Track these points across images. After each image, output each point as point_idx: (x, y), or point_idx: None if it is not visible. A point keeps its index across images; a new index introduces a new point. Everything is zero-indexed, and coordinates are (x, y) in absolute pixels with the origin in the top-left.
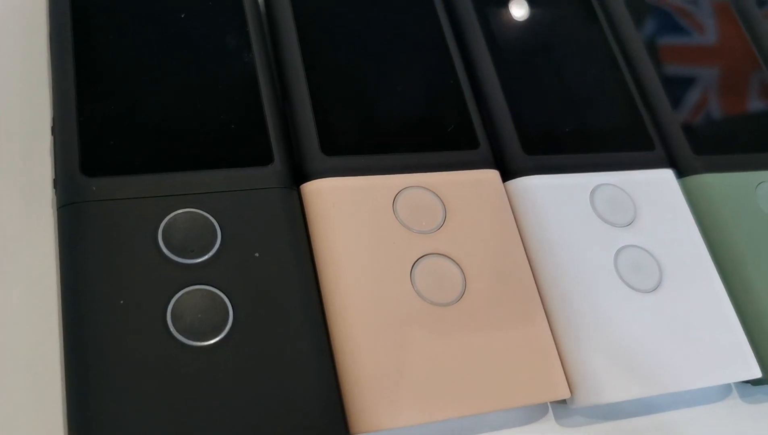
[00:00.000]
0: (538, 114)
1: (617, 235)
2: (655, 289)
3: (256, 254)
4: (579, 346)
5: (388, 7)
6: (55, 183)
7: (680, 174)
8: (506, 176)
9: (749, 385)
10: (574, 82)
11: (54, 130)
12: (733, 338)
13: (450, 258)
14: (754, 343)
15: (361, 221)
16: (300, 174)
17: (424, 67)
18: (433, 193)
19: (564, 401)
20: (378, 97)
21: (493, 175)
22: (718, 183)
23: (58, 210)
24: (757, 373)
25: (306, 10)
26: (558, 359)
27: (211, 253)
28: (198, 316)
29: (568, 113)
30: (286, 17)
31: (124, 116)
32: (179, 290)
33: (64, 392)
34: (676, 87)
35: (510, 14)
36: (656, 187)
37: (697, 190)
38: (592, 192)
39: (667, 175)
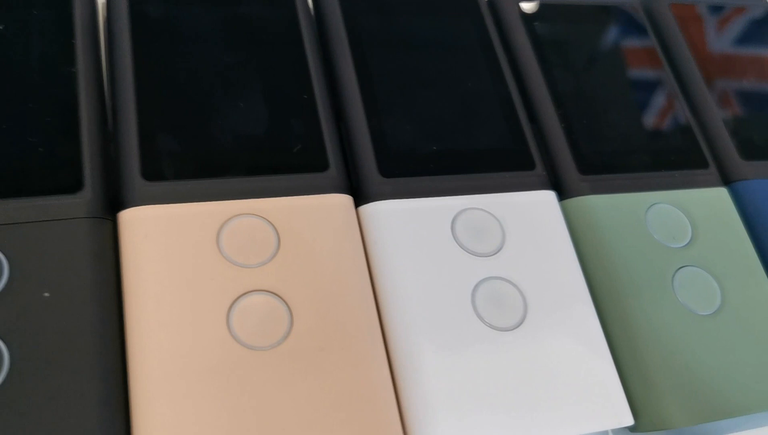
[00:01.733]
0: (402, 132)
1: (478, 266)
2: (517, 326)
3: (47, 294)
4: (421, 392)
5: (238, 13)
6: None
7: (563, 196)
8: (361, 201)
9: (628, 431)
10: (449, 97)
11: None
12: (604, 381)
13: (277, 295)
14: (628, 386)
15: (176, 254)
16: (117, 202)
17: (276, 81)
18: (267, 221)
19: None
20: (215, 116)
21: (343, 200)
22: (604, 205)
23: None
24: (628, 421)
25: (144, 19)
26: (395, 408)
27: None
28: None
29: (437, 131)
30: (121, 27)
31: None
32: None
33: None
34: (566, 102)
35: (381, 21)
36: (532, 211)
37: (580, 213)
38: (455, 218)
39: (547, 197)
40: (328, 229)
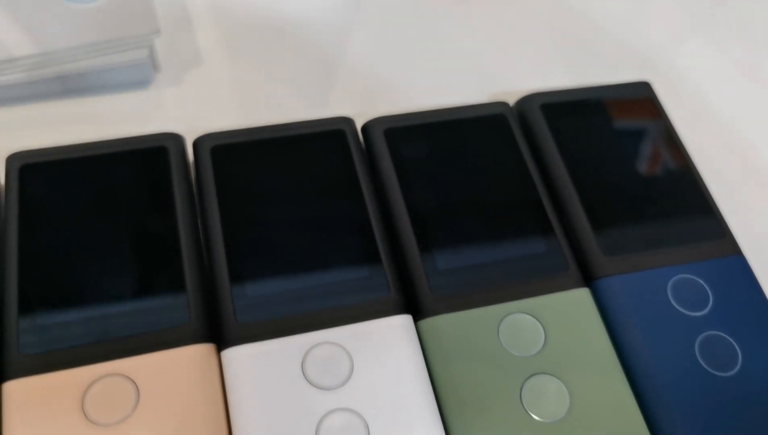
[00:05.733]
0: (259, 275)
1: (324, 399)
2: None
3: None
4: None
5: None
6: None
7: (420, 317)
8: (222, 347)
9: None
10: (307, 230)
11: None
12: None
13: None
14: None
15: None
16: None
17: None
18: (128, 378)
19: None
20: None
21: (203, 350)
22: (455, 323)
23: None
24: None
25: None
26: None
27: None
28: None
29: (289, 270)
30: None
31: None
32: None
33: None
34: (428, 222)
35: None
36: (382, 338)
37: (433, 333)
38: (306, 354)
39: (400, 321)
40: (187, 381)
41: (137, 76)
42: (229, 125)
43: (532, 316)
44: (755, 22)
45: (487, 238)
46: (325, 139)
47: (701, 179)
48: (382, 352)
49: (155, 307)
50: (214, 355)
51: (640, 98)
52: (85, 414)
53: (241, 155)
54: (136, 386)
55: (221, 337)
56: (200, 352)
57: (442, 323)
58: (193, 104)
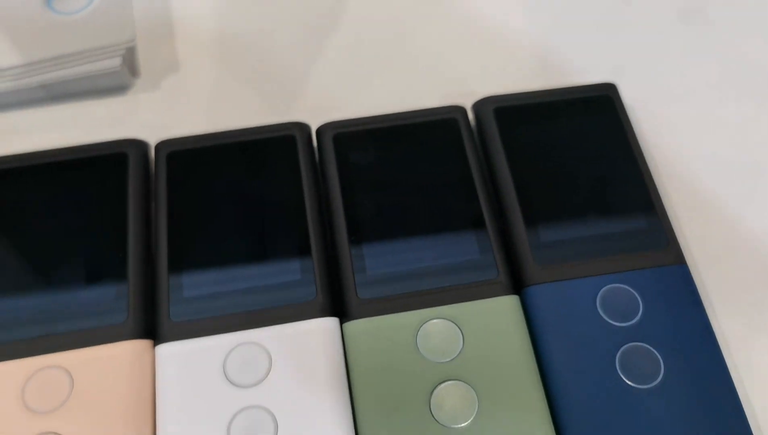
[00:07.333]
0: (196, 277)
1: (239, 397)
2: None
3: None
4: None
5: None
6: None
7: (346, 320)
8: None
9: None
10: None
11: None
12: None
13: None
14: None
15: None
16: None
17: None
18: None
19: None
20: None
21: (138, 346)
22: (375, 328)
23: None
24: None
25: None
26: None
27: None
28: None
29: (232, 271)
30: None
31: None
32: None
33: None
34: (362, 227)
35: None
36: (304, 340)
37: (354, 337)
38: (229, 353)
39: (325, 324)
40: (120, 375)
41: (114, 83)
42: (200, 130)
43: (453, 322)
44: (733, 31)
45: (421, 243)
46: (276, 145)
47: (654, 187)
48: (302, 354)
49: (96, 304)
50: (149, 351)
51: (601, 101)
52: (24, 402)
53: (195, 161)
54: (72, 378)
55: (156, 334)
56: (136, 349)
57: (364, 327)
58: (168, 110)
